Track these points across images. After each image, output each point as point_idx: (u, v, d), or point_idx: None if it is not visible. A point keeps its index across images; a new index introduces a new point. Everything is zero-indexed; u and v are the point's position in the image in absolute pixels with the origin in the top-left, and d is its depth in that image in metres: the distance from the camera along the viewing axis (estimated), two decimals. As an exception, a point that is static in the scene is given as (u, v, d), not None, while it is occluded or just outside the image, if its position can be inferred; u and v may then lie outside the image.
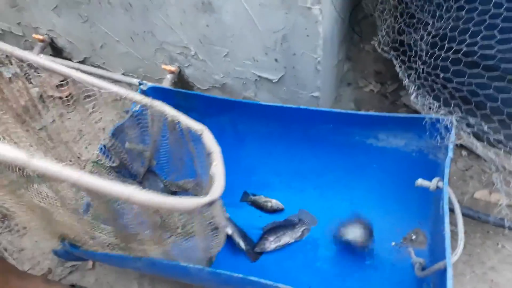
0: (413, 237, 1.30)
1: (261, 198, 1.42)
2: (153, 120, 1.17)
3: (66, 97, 1.55)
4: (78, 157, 1.33)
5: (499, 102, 1.02)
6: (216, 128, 1.22)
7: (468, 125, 1.07)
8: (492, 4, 0.96)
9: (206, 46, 1.53)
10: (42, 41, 1.84)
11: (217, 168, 0.87)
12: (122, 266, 1.32)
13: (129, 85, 1.76)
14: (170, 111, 1.07)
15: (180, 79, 1.73)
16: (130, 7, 1.55)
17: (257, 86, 1.57)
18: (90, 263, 1.40)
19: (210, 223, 0.94)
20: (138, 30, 1.64)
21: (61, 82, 1.14)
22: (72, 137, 1.59)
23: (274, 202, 1.40)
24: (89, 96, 1.06)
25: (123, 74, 1.89)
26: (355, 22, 1.68)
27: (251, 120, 1.40)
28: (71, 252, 1.15)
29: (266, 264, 1.30)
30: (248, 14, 1.33)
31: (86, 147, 1.56)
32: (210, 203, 0.77)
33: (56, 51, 1.94)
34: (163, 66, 1.69)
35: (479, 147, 1.04)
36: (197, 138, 1.03)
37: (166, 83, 1.64)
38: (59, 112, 1.25)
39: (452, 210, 1.05)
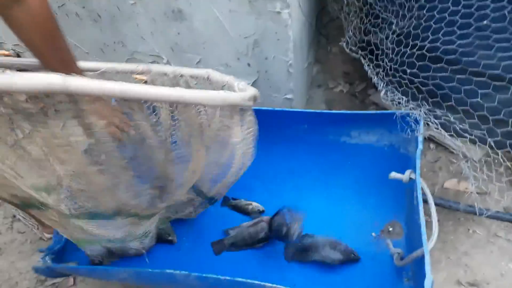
0: (390, 229, 1.35)
1: (242, 202, 1.43)
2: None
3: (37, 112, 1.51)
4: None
5: (462, 94, 1.09)
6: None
7: (436, 116, 1.13)
8: (450, 2, 1.03)
9: (178, 54, 1.54)
10: (7, 56, 1.79)
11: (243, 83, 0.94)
12: (107, 278, 1.29)
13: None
14: (170, 68, 1.07)
15: (153, 88, 1.73)
16: (99, 18, 1.55)
17: (230, 91, 1.60)
18: (71, 280, 1.37)
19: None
20: (108, 41, 1.63)
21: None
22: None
23: (254, 205, 1.42)
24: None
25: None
26: (322, 25, 1.74)
27: (227, 124, 1.42)
28: (52, 268, 1.13)
29: (247, 263, 1.31)
30: (219, 20, 1.35)
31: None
32: (255, 98, 0.86)
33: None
34: (134, 76, 1.69)
35: (447, 136, 1.10)
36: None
37: (139, 93, 1.64)
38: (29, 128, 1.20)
39: (425, 201, 1.10)
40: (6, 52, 1.79)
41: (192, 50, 1.51)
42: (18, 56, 1.83)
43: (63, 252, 1.23)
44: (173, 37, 1.49)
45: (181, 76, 1.06)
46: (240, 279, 0.96)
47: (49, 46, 0.91)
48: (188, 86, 1.09)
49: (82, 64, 1.08)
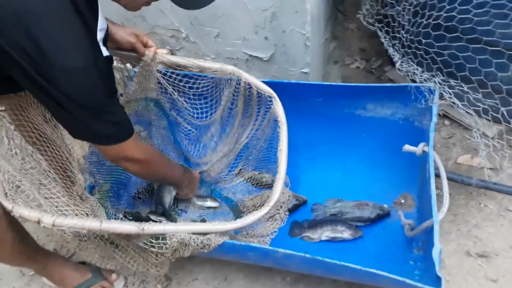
0: (402, 201, 1.37)
1: (256, 174, 1.47)
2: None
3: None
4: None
5: (476, 64, 1.10)
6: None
7: (450, 87, 1.14)
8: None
9: (197, 27, 1.58)
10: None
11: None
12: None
13: (120, 70, 1.78)
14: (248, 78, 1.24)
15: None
16: (120, -8, 1.58)
17: (248, 65, 1.62)
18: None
19: None
20: (129, 15, 1.67)
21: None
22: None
23: (270, 178, 1.44)
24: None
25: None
26: (339, 1, 1.74)
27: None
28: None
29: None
30: (238, -7, 1.38)
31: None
32: None
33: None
34: (157, 51, 1.72)
35: (460, 106, 1.11)
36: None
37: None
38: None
39: (437, 175, 1.11)
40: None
41: (211, 24, 1.54)
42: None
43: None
44: (192, 11, 1.52)
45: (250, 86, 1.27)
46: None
47: (164, 177, 1.22)
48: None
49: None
